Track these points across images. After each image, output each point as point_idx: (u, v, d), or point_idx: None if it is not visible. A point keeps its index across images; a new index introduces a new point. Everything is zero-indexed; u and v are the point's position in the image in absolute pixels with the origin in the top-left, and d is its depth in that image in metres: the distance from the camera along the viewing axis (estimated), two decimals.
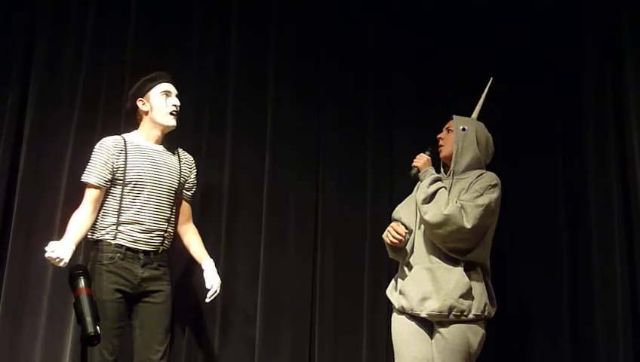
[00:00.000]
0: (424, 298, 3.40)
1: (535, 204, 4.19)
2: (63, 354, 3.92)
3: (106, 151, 3.54)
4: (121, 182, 3.53)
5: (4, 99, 4.22)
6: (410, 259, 3.53)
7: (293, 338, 4.05)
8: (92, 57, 4.30)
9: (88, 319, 2.54)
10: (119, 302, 3.43)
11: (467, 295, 3.38)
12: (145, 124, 3.67)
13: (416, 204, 3.54)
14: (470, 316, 3.38)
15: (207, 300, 3.63)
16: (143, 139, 3.65)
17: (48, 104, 4.25)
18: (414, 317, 3.46)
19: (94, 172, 3.51)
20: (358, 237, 4.22)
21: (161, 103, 3.65)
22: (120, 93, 4.21)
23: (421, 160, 3.64)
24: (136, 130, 3.69)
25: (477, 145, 3.61)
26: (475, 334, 3.40)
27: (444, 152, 3.68)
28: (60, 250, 3.28)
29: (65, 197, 4.08)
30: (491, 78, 3.79)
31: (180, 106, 3.69)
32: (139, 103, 3.66)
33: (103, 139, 3.60)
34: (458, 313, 3.36)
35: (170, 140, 3.76)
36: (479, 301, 3.41)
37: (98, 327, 2.56)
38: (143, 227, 3.52)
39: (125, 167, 3.53)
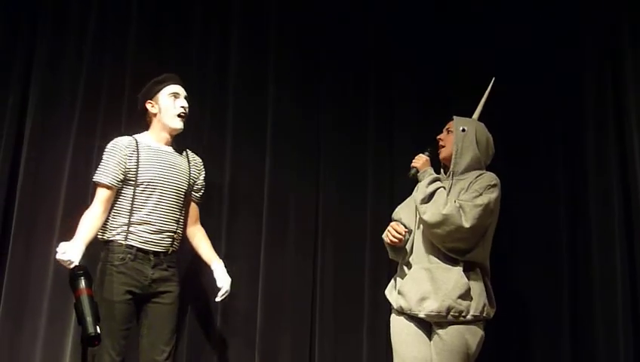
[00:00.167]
0: (423, 298, 3.40)
1: (535, 204, 4.19)
2: (64, 355, 3.92)
3: (119, 152, 3.55)
4: (133, 182, 3.54)
5: (5, 100, 4.22)
6: (410, 259, 3.53)
7: (294, 338, 4.05)
8: (93, 58, 4.30)
9: (89, 319, 2.52)
10: (128, 303, 3.45)
11: (465, 295, 3.37)
12: (154, 125, 3.70)
13: (416, 209, 3.54)
14: (468, 317, 3.38)
15: (218, 299, 3.64)
16: (154, 140, 3.68)
17: (49, 105, 4.24)
18: (413, 318, 3.45)
19: (107, 172, 3.52)
20: (359, 237, 4.22)
21: (169, 105, 3.67)
22: (121, 93, 4.22)
23: (420, 160, 3.64)
24: (146, 132, 3.72)
25: (477, 145, 3.60)
26: (473, 335, 3.40)
27: (444, 153, 3.67)
28: (71, 252, 3.29)
29: (65, 198, 4.08)
30: (493, 79, 3.79)
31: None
32: (148, 105, 3.70)
33: (116, 140, 3.62)
34: (456, 313, 3.36)
35: (173, 141, 3.77)
36: (478, 302, 3.40)
37: (99, 328, 2.55)
38: (153, 228, 3.54)
39: (137, 168, 3.55)
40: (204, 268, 3.86)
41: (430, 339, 3.44)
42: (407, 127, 4.38)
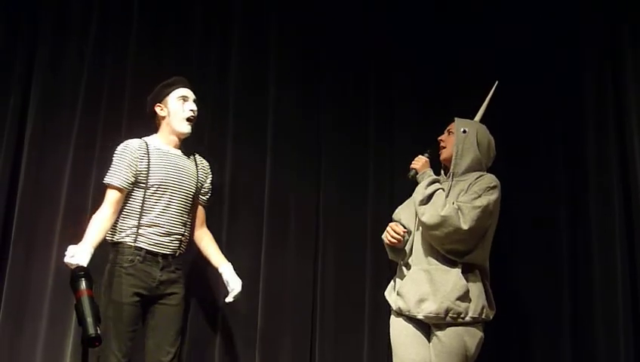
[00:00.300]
0: (421, 299, 3.40)
1: (535, 204, 4.19)
2: (64, 356, 3.93)
3: (130, 154, 3.57)
4: (144, 185, 3.56)
5: (6, 102, 4.23)
6: (409, 261, 3.53)
7: (294, 339, 4.05)
8: (94, 59, 4.31)
9: (89, 320, 2.53)
10: (136, 305, 3.47)
11: (464, 297, 3.38)
12: (163, 128, 3.72)
13: (416, 210, 3.54)
14: (467, 318, 3.38)
15: (230, 300, 3.64)
16: (163, 143, 3.70)
17: (50, 106, 4.26)
18: (412, 319, 3.46)
19: (118, 174, 3.54)
20: (359, 237, 4.22)
21: (178, 109, 3.69)
22: (122, 94, 4.23)
23: (419, 162, 3.64)
24: (155, 134, 3.74)
25: (477, 147, 3.60)
26: (472, 337, 3.40)
27: (444, 154, 3.68)
28: (79, 256, 3.30)
29: (66, 200, 4.10)
30: (496, 83, 3.79)
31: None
32: (157, 108, 3.72)
33: (127, 142, 3.63)
34: (455, 315, 3.36)
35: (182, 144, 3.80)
36: (476, 303, 3.41)
37: (99, 329, 2.56)
38: (162, 230, 3.56)
39: (148, 171, 3.57)
40: (205, 269, 3.88)
41: (429, 341, 3.44)
42: (407, 127, 4.38)
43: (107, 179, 3.55)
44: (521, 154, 4.27)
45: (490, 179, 3.53)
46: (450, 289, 3.37)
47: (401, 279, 3.55)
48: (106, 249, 3.56)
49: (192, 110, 3.70)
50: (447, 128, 3.70)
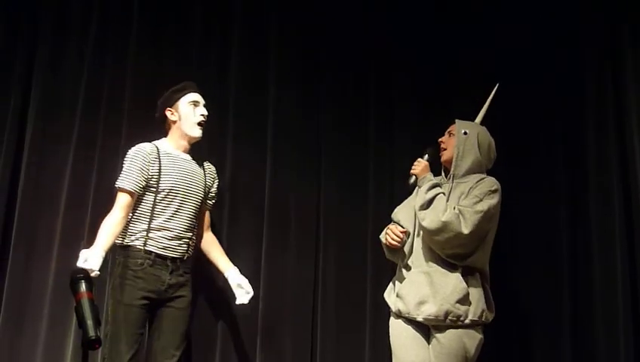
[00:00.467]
0: (421, 302, 3.41)
1: (535, 204, 4.19)
2: (64, 358, 3.93)
3: (142, 159, 3.59)
4: (154, 189, 3.59)
5: (7, 103, 4.24)
6: (409, 262, 3.54)
7: (295, 339, 4.05)
8: (94, 59, 4.31)
9: (89, 323, 2.53)
10: (144, 308, 3.49)
11: (464, 300, 3.38)
12: (173, 133, 3.75)
13: (415, 211, 3.54)
14: (467, 321, 3.39)
15: (243, 302, 3.69)
16: (173, 147, 3.72)
17: (50, 107, 4.26)
18: (411, 321, 3.46)
19: (130, 178, 3.56)
20: (359, 237, 4.22)
21: (189, 113, 3.72)
22: (122, 95, 4.23)
23: (419, 166, 3.63)
24: (164, 138, 3.76)
25: (478, 149, 3.61)
26: (471, 339, 3.41)
27: (445, 156, 3.67)
28: (92, 261, 3.32)
29: (66, 203, 4.10)
30: (497, 85, 3.79)
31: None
32: (167, 113, 3.74)
33: (138, 146, 3.65)
34: (454, 318, 3.37)
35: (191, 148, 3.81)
36: (476, 306, 3.41)
37: (99, 331, 2.56)
38: (172, 234, 3.59)
39: (159, 175, 3.60)
40: (205, 270, 3.88)
41: (429, 342, 3.45)
42: (407, 127, 4.38)
43: (119, 183, 3.57)
44: (521, 154, 4.27)
45: (491, 182, 3.53)
46: (450, 292, 3.38)
47: (401, 281, 3.55)
48: (114, 251, 3.59)
49: (202, 115, 3.74)
50: (448, 130, 3.70)
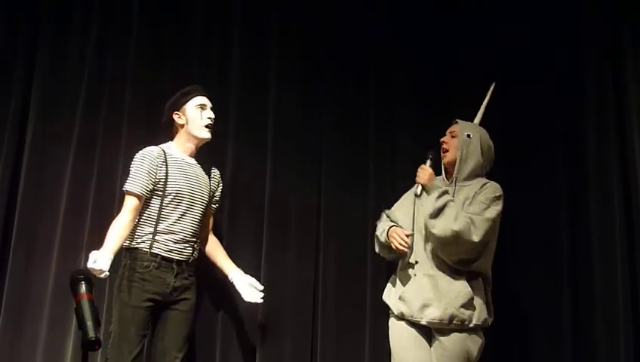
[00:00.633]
0: (425, 305, 3.42)
1: (535, 204, 4.18)
2: (64, 360, 3.93)
3: (149, 162, 3.61)
4: (161, 193, 3.61)
5: (7, 103, 4.25)
6: (410, 264, 3.53)
7: (295, 339, 4.04)
8: (94, 60, 4.32)
9: (89, 324, 2.54)
10: (148, 310, 3.51)
11: (468, 305, 3.40)
12: (180, 136, 3.76)
13: (414, 211, 3.54)
14: (471, 325, 3.41)
15: (257, 301, 3.72)
16: (179, 151, 3.74)
17: (50, 107, 4.27)
18: (414, 324, 3.47)
19: (138, 181, 3.58)
20: (360, 237, 4.21)
21: (196, 116, 3.74)
22: (122, 95, 4.24)
23: (424, 174, 3.58)
24: (171, 142, 3.78)
25: (481, 152, 3.61)
26: (474, 343, 3.43)
27: (447, 158, 3.66)
28: (101, 262, 3.34)
29: (66, 204, 4.11)
30: (493, 84, 3.79)
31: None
32: (175, 116, 3.76)
33: (146, 150, 3.67)
34: (459, 322, 3.39)
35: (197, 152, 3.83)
36: (480, 311, 3.43)
37: (99, 332, 2.57)
38: (177, 237, 3.61)
39: (166, 179, 3.62)
40: (205, 270, 3.87)
41: (430, 345, 3.45)
42: (408, 127, 4.38)
43: (127, 186, 3.59)
44: (521, 154, 4.27)
45: (495, 187, 3.56)
46: (455, 297, 3.39)
47: (403, 283, 3.54)
48: (120, 252, 3.59)
49: (209, 118, 3.76)
50: (449, 130, 3.69)
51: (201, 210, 3.71)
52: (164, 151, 3.68)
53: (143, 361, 3.56)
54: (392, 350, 3.56)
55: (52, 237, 4.07)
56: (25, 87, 4.30)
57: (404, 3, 4.48)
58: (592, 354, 3.89)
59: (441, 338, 3.42)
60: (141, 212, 3.60)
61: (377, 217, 3.95)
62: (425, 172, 3.59)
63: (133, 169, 3.63)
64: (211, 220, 3.88)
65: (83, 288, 2.62)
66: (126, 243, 3.57)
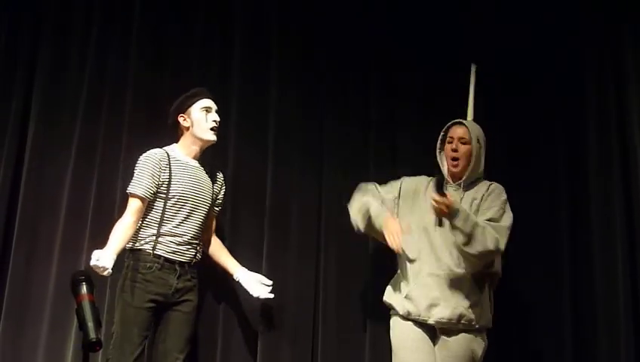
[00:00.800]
0: (432, 304, 3.42)
1: (536, 204, 4.17)
2: (65, 361, 3.95)
3: (153, 165, 3.64)
4: (164, 195, 3.64)
5: (8, 106, 4.26)
6: (417, 265, 3.52)
7: (296, 339, 4.05)
8: (95, 61, 4.33)
9: (90, 325, 2.55)
10: (150, 311, 3.54)
11: (475, 304, 3.42)
12: (185, 139, 3.78)
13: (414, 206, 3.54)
14: (477, 326, 3.41)
15: (268, 297, 3.78)
16: (183, 154, 3.77)
17: (51, 108, 4.29)
18: (420, 324, 3.46)
19: (141, 184, 3.61)
20: (361, 237, 4.18)
21: (201, 119, 3.76)
22: (123, 95, 4.25)
23: (443, 205, 3.36)
24: (175, 145, 3.80)
25: (485, 154, 3.63)
26: (479, 344, 3.45)
27: (460, 167, 3.59)
28: (104, 260, 3.35)
29: (67, 206, 4.12)
30: (474, 66, 3.78)
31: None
32: (180, 119, 3.78)
33: (149, 152, 3.69)
34: (466, 322, 3.39)
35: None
36: (486, 311, 3.46)
37: (100, 333, 2.57)
38: (180, 239, 3.64)
39: (170, 182, 3.64)
40: (206, 271, 3.87)
41: (434, 345, 3.46)
42: (408, 127, 4.37)
43: (130, 189, 3.62)
44: (522, 154, 4.26)
45: (501, 189, 3.58)
46: (464, 296, 3.40)
47: (407, 282, 3.53)
48: (123, 254, 3.61)
49: (215, 120, 3.78)
50: (457, 136, 3.60)
51: (204, 213, 3.73)
52: (167, 154, 3.70)
53: (145, 361, 3.58)
54: (394, 350, 3.56)
55: (53, 238, 4.08)
56: (26, 89, 4.31)
57: (404, 3, 4.48)
58: (592, 354, 3.89)
59: (447, 338, 3.42)
60: (145, 214, 3.63)
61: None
62: (443, 202, 3.35)
63: (136, 171, 3.65)
64: (214, 222, 3.90)
65: (84, 289, 2.63)
66: (129, 245, 3.59)
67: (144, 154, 3.69)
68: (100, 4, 4.45)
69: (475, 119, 3.75)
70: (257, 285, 3.78)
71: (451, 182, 3.65)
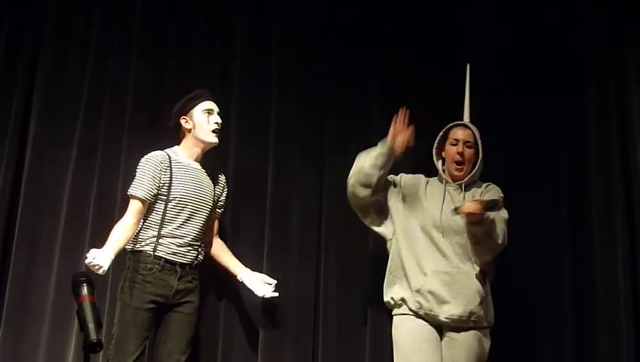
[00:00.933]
0: (442, 302, 3.42)
1: (536, 204, 4.17)
2: None
3: (154, 167, 3.65)
4: (165, 197, 3.64)
5: (9, 107, 4.26)
6: (423, 263, 3.53)
7: (297, 340, 4.05)
8: (96, 63, 4.34)
9: (91, 326, 2.54)
10: (151, 312, 3.55)
11: (483, 301, 3.46)
12: (187, 141, 3.79)
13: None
14: (484, 323, 3.43)
15: (274, 295, 3.79)
16: (185, 156, 3.77)
17: (52, 108, 4.29)
18: (428, 322, 3.46)
19: (142, 186, 3.62)
20: (361, 237, 4.21)
21: (203, 121, 3.76)
22: (124, 99, 4.25)
23: (475, 216, 3.40)
24: (177, 147, 3.81)
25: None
26: (486, 341, 3.52)
27: (465, 171, 3.63)
28: (101, 258, 3.36)
29: (68, 207, 4.12)
30: (468, 66, 3.77)
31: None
32: (182, 121, 3.79)
33: (150, 154, 3.70)
34: (476, 319, 3.42)
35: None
36: (491, 308, 3.53)
37: (100, 334, 2.57)
38: (181, 241, 3.65)
39: (170, 184, 3.65)
40: (206, 271, 3.88)
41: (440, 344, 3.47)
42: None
43: (131, 191, 3.63)
44: (522, 154, 4.26)
45: (497, 188, 3.62)
46: (473, 294, 3.42)
47: (416, 279, 3.53)
48: (124, 256, 3.62)
49: (216, 123, 3.79)
50: (463, 139, 3.62)
51: (205, 215, 3.74)
52: (169, 156, 3.70)
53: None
54: (398, 350, 3.53)
55: (53, 239, 4.09)
56: (26, 89, 4.31)
57: (404, 3, 4.47)
58: (592, 354, 3.90)
59: (456, 335, 3.44)
60: (145, 215, 3.64)
61: None
62: (475, 209, 3.38)
63: (137, 173, 3.66)
64: (216, 224, 3.91)
65: (85, 290, 2.63)
66: (130, 246, 3.60)
67: (145, 157, 3.70)
68: (101, 4, 4.46)
69: (473, 119, 3.76)
70: (261, 284, 3.80)
71: (451, 182, 3.66)
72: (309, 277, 4.15)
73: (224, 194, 3.94)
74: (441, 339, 3.50)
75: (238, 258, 3.94)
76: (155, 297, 3.55)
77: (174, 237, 3.63)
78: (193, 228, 3.68)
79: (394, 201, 3.69)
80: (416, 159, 4.00)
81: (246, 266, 3.90)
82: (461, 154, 3.61)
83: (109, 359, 3.54)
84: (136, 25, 4.37)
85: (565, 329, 4.02)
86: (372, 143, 4.28)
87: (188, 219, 3.67)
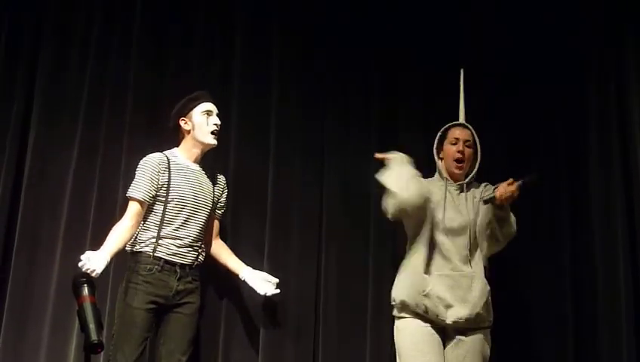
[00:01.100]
0: (448, 305, 3.43)
1: (535, 204, 4.18)
2: None
3: (152, 169, 3.65)
4: (164, 199, 3.65)
5: (9, 108, 4.26)
6: (431, 266, 3.53)
7: (297, 340, 4.05)
8: (96, 63, 4.34)
9: (92, 327, 2.56)
10: (151, 312, 3.55)
11: (488, 303, 3.46)
12: (186, 142, 3.80)
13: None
14: (487, 323, 3.47)
15: (275, 292, 3.79)
16: (184, 157, 3.78)
17: (52, 108, 4.29)
18: (434, 325, 3.47)
19: (140, 188, 3.63)
20: (362, 238, 4.21)
21: (202, 122, 3.77)
22: (124, 100, 4.25)
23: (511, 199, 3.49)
24: (176, 148, 3.82)
25: None
26: (489, 342, 3.51)
27: (465, 169, 3.66)
28: (95, 261, 3.37)
29: (68, 205, 4.13)
30: (462, 71, 3.79)
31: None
32: (181, 122, 3.80)
33: (148, 156, 3.71)
34: (481, 320, 3.43)
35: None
36: (491, 310, 3.49)
37: (101, 335, 2.58)
38: (181, 242, 3.65)
39: (169, 185, 3.65)
40: (206, 271, 3.88)
41: (444, 346, 3.47)
42: (409, 127, 4.37)
43: (129, 193, 3.64)
44: (521, 154, 4.26)
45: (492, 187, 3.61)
46: (479, 295, 3.44)
47: (423, 281, 3.53)
48: (125, 257, 3.64)
49: (215, 124, 3.79)
50: (463, 138, 3.65)
51: (205, 216, 3.74)
52: (167, 158, 3.71)
53: None
54: (402, 353, 3.54)
55: (54, 240, 4.09)
56: (26, 90, 4.31)
57: (404, 3, 4.48)
58: (593, 354, 3.90)
59: (463, 337, 3.45)
60: (145, 217, 3.65)
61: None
62: (513, 191, 3.47)
63: (136, 175, 3.67)
64: (217, 225, 3.91)
65: (85, 291, 2.65)
66: (130, 248, 3.61)
67: (143, 159, 3.70)
68: (101, 4, 4.46)
69: (472, 120, 3.77)
70: (263, 283, 3.80)
71: (452, 181, 3.67)
72: (310, 278, 4.15)
73: (224, 196, 3.94)
74: (445, 341, 3.50)
75: (238, 258, 3.94)
76: (155, 298, 3.55)
77: (174, 238, 3.63)
78: (193, 229, 3.68)
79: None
80: (417, 159, 3.99)
81: (246, 265, 3.90)
82: (461, 152, 3.65)
83: (110, 359, 3.54)
84: (137, 25, 4.37)
85: (566, 328, 4.02)
86: (372, 143, 4.31)
87: (187, 221, 3.67)
